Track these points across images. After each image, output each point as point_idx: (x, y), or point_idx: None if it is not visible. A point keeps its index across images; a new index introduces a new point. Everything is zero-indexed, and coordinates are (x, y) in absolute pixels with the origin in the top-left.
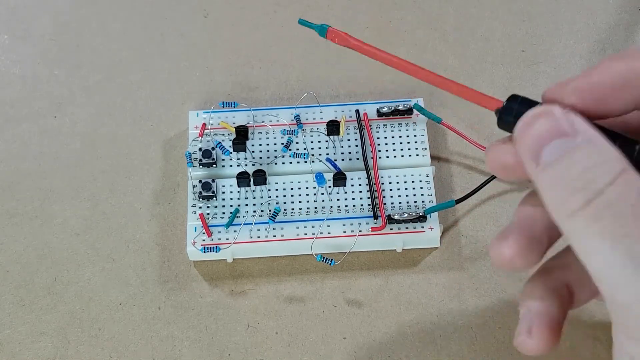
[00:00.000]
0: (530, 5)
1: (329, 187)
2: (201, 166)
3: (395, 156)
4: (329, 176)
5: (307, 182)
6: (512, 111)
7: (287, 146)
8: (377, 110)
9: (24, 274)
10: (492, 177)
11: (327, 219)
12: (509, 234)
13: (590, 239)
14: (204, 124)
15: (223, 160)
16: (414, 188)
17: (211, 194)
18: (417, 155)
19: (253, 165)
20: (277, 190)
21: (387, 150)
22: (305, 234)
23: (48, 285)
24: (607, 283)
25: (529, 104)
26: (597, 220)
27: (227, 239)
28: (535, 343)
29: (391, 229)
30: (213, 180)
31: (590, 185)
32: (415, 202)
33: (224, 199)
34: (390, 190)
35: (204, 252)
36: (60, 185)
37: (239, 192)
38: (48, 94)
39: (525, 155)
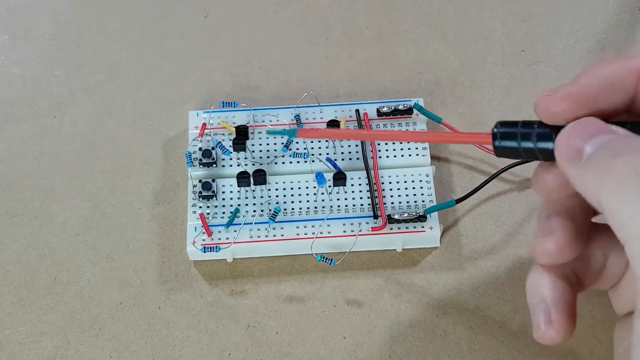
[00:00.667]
0: (530, 5)
1: (329, 186)
2: (201, 166)
3: (395, 156)
4: (329, 176)
5: (307, 182)
6: (505, 135)
7: (287, 146)
8: (377, 110)
9: (24, 274)
10: (492, 177)
11: (327, 219)
12: (552, 228)
13: (633, 210)
14: (204, 124)
15: (223, 160)
16: (414, 188)
17: (211, 194)
18: (417, 155)
19: (253, 165)
20: (277, 190)
21: (387, 150)
22: (305, 234)
23: (48, 285)
24: None
25: (514, 123)
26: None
27: (227, 238)
28: (558, 331)
29: (391, 229)
30: (213, 180)
31: (627, 152)
32: (415, 201)
33: (224, 199)
34: (390, 190)
35: (204, 251)
36: (60, 185)
37: (239, 191)
38: (48, 94)
39: (565, 156)
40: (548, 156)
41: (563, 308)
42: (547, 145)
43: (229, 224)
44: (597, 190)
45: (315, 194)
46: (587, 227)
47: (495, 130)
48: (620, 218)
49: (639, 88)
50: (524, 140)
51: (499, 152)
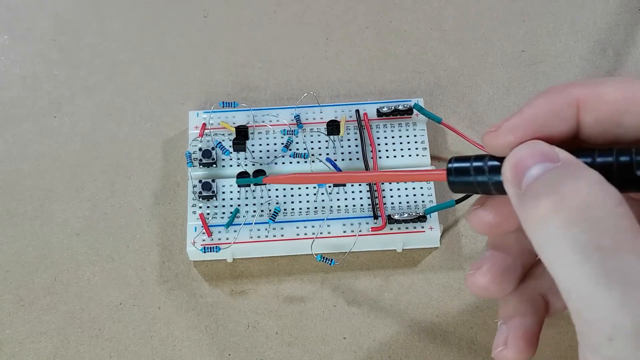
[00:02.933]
0: (530, 5)
1: (329, 187)
2: (201, 166)
3: (395, 156)
4: None
5: None
6: (459, 170)
7: (287, 146)
8: (377, 110)
9: (24, 274)
10: None
11: (327, 219)
12: (482, 262)
13: (559, 248)
14: (204, 124)
15: (223, 160)
16: (414, 188)
17: (211, 194)
18: (417, 155)
19: (253, 165)
20: (277, 190)
21: (387, 150)
22: (305, 234)
23: (48, 285)
24: (575, 298)
25: (467, 158)
26: (569, 227)
27: (227, 238)
28: (512, 353)
29: (391, 229)
30: (213, 180)
31: (561, 189)
32: (415, 202)
33: (224, 199)
34: (390, 190)
35: (204, 252)
36: (60, 185)
37: (239, 192)
38: (48, 94)
39: (509, 185)
40: (501, 190)
41: (521, 333)
42: (500, 178)
43: (229, 224)
44: (526, 224)
45: (315, 194)
46: (520, 266)
47: (449, 165)
48: (545, 257)
49: (580, 117)
50: (478, 175)
51: (455, 187)
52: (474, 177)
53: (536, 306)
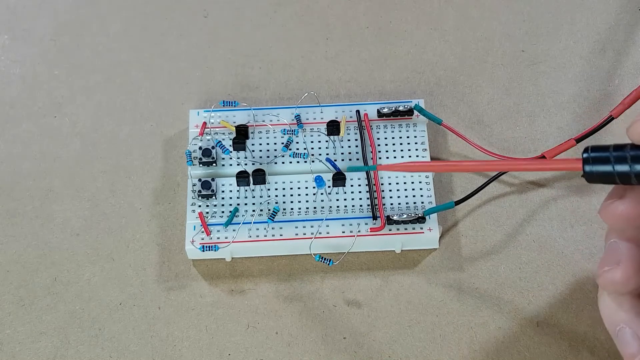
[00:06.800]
0: (530, 5)
1: (329, 187)
2: (201, 165)
3: (395, 157)
4: (328, 177)
5: (306, 182)
6: (597, 159)
7: (287, 146)
8: (378, 111)
9: (24, 274)
10: (493, 179)
11: (326, 219)
12: (618, 257)
13: None
14: (205, 123)
15: (223, 159)
16: (413, 189)
17: (210, 193)
18: (417, 156)
19: (253, 164)
20: (276, 189)
21: (387, 151)
22: (304, 234)
23: (48, 285)
24: None
25: (606, 147)
26: None
27: (226, 237)
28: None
29: (390, 230)
30: (213, 179)
31: None
32: (414, 203)
33: (223, 198)
34: (390, 191)
35: (203, 250)
36: (60, 185)
37: (238, 191)
38: (48, 94)
39: None
40: None
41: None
42: None
43: (228, 223)
44: None
45: (314, 194)
46: None
47: (585, 155)
48: None
49: None
50: (618, 164)
51: (591, 177)
52: (613, 166)
53: None
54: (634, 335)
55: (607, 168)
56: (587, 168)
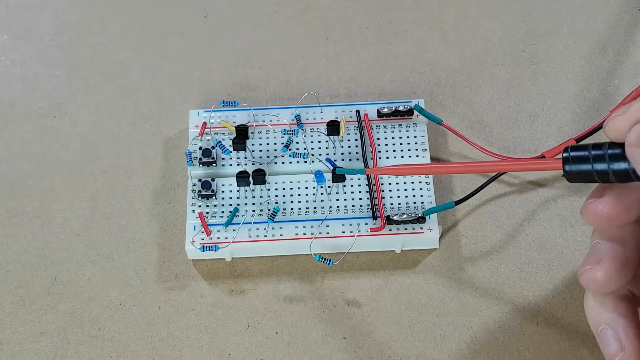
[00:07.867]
0: (530, 5)
1: (329, 187)
2: (201, 165)
3: (395, 157)
4: (328, 176)
5: (306, 182)
6: (576, 158)
7: (287, 146)
8: (378, 111)
9: (24, 274)
10: (492, 179)
11: (326, 219)
12: (600, 256)
13: None
14: (205, 123)
15: (223, 159)
16: (413, 189)
17: (210, 193)
18: (417, 156)
19: (253, 164)
20: (276, 189)
21: (387, 151)
22: (304, 234)
23: (48, 285)
24: None
25: (585, 147)
26: None
27: (226, 237)
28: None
29: (390, 230)
30: (213, 179)
31: None
32: (414, 203)
33: (223, 198)
34: (390, 191)
35: (203, 250)
36: (60, 185)
37: (238, 191)
38: (48, 94)
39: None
40: (622, 177)
41: (633, 333)
42: (620, 165)
43: (228, 223)
44: None
45: (314, 194)
46: (638, 257)
47: (565, 154)
48: None
49: None
50: (596, 163)
51: (571, 176)
52: (592, 165)
53: (631, 301)
54: (615, 336)
55: (586, 167)
56: (567, 167)
